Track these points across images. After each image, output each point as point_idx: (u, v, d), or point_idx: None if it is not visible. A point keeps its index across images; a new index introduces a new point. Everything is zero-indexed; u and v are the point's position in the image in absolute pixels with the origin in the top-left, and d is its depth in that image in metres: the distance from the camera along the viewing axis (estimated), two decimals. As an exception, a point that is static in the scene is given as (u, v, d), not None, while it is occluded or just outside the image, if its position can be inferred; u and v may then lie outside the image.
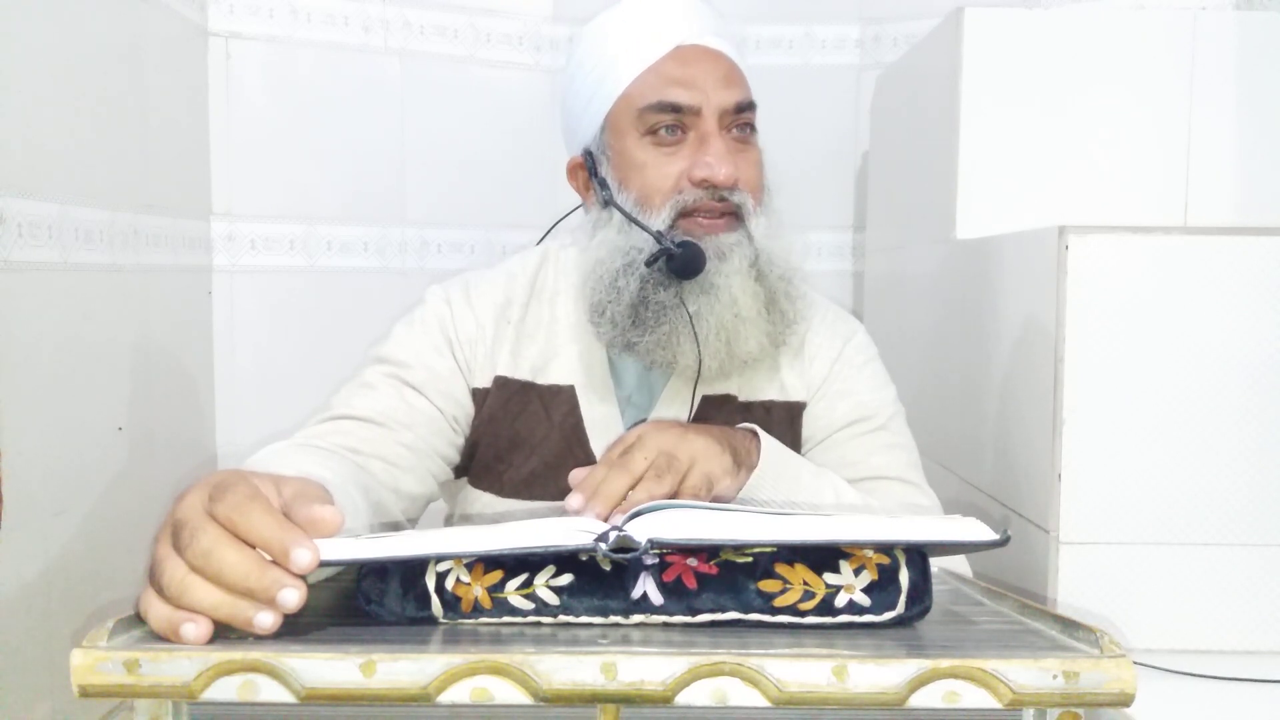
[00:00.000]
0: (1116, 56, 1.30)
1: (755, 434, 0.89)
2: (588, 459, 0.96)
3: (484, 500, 0.98)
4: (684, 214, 0.92)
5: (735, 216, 0.92)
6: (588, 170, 0.97)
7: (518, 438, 0.97)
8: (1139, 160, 1.30)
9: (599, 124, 0.95)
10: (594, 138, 0.96)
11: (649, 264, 0.90)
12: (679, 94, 0.92)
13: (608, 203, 0.94)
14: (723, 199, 0.91)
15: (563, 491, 0.96)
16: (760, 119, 1.02)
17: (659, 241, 0.90)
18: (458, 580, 0.55)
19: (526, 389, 0.97)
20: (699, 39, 0.94)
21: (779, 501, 0.86)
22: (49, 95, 1.17)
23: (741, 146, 0.94)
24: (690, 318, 0.90)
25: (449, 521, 1.06)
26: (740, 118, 0.94)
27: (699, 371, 0.93)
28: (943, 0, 1.35)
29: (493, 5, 1.88)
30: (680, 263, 0.89)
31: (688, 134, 0.92)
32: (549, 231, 1.10)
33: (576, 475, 0.81)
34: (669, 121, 0.92)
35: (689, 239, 0.90)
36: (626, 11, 0.96)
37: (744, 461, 0.85)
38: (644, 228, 0.91)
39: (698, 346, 0.91)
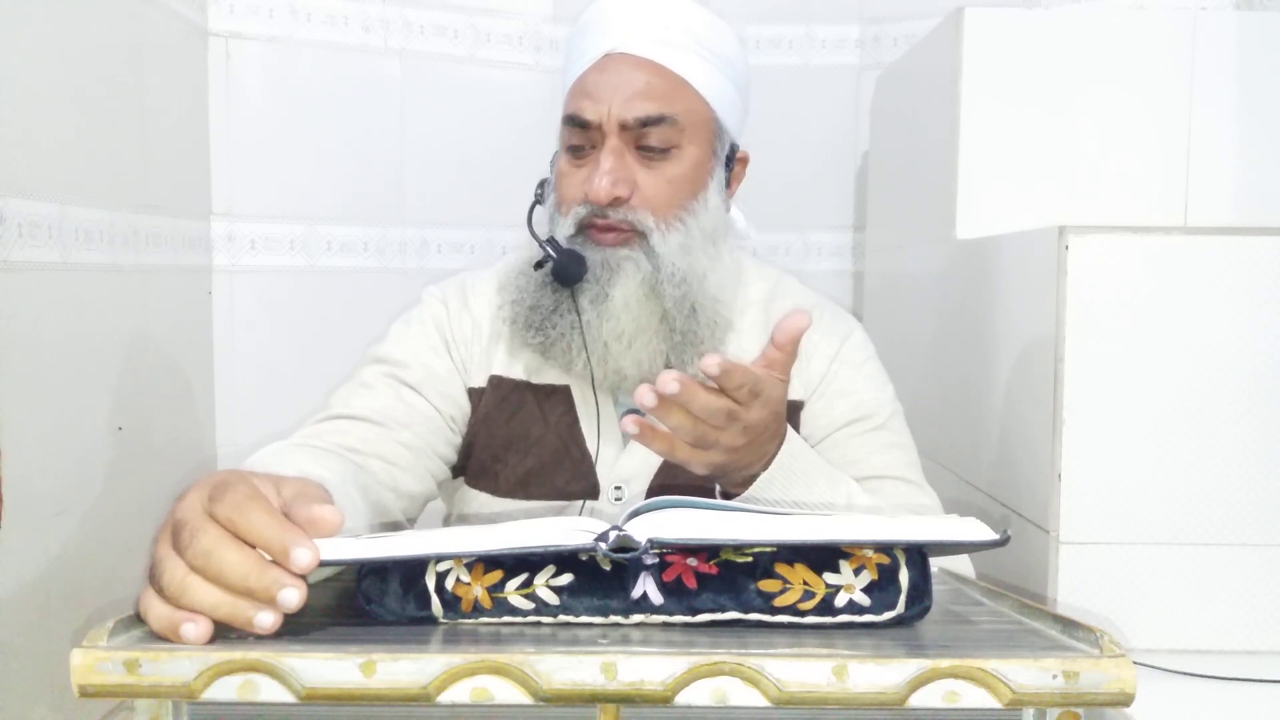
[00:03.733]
0: (1116, 56, 1.30)
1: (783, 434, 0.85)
2: (584, 459, 0.96)
3: (481, 500, 0.98)
4: (587, 225, 0.93)
5: (634, 232, 0.92)
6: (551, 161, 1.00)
7: (513, 437, 0.97)
8: (1139, 160, 1.30)
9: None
10: None
11: (536, 267, 0.94)
12: (584, 107, 0.91)
13: (536, 203, 0.98)
14: (605, 216, 0.91)
15: (559, 491, 0.96)
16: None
17: (543, 247, 0.93)
18: (458, 580, 0.55)
19: (522, 389, 0.97)
20: (630, 47, 0.91)
21: (784, 503, 0.86)
22: (49, 95, 1.17)
23: (648, 162, 0.92)
24: (581, 326, 0.92)
25: (447, 521, 1.06)
26: (646, 134, 0.91)
27: (592, 379, 0.95)
28: (943, 0, 1.35)
29: (493, 5, 1.88)
30: (559, 268, 0.92)
31: (595, 148, 0.92)
32: None
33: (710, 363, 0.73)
34: (576, 138, 0.93)
35: (574, 247, 0.92)
36: (589, 13, 0.96)
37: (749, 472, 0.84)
38: (533, 234, 0.94)
39: (587, 355, 0.92)
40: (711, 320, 0.94)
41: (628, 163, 0.92)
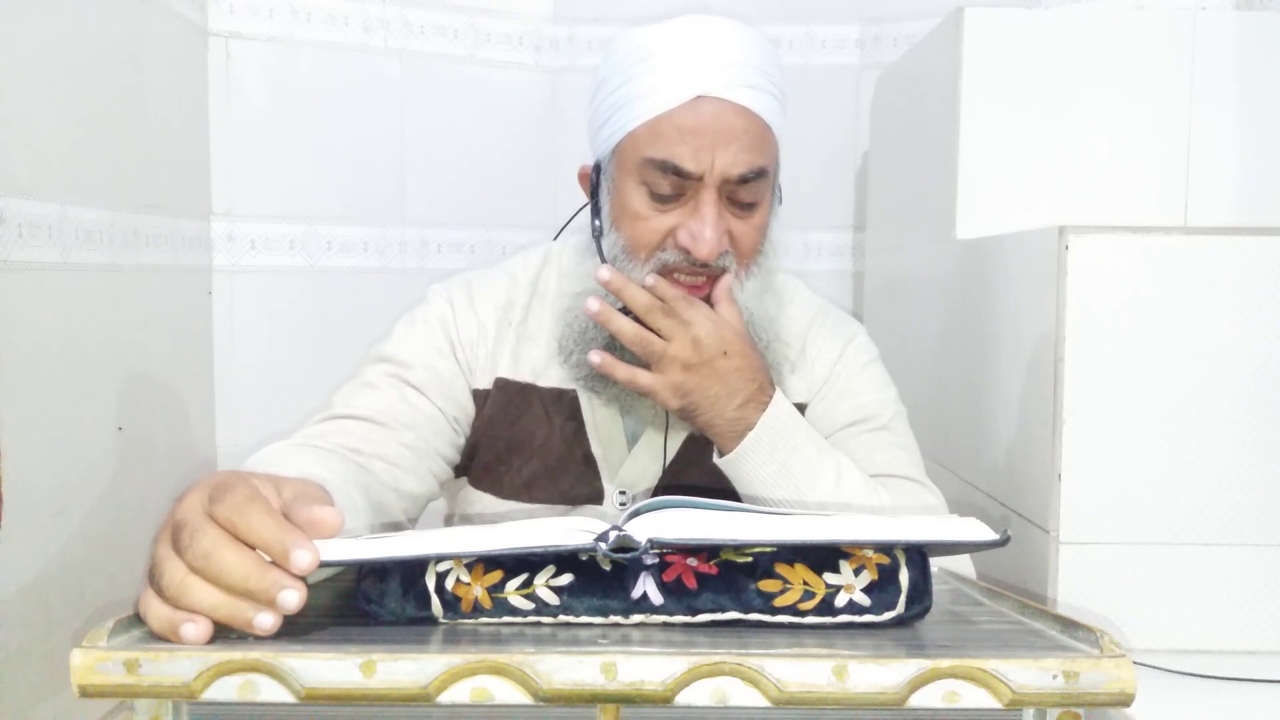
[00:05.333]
0: (1116, 56, 1.30)
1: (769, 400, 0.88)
2: (588, 462, 0.96)
3: (484, 501, 0.98)
4: (664, 270, 0.90)
5: (719, 278, 0.91)
6: (591, 185, 0.96)
7: (518, 440, 0.97)
8: (1139, 160, 1.30)
9: (610, 146, 0.92)
10: (605, 156, 0.93)
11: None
12: (683, 155, 0.86)
13: (597, 236, 0.94)
14: (704, 267, 0.89)
15: (563, 495, 0.96)
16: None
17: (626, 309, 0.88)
18: (458, 580, 0.55)
19: (527, 391, 0.97)
20: (724, 91, 0.86)
21: (770, 473, 0.87)
22: (49, 95, 1.17)
23: (741, 213, 0.90)
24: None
25: (449, 521, 1.06)
26: (744, 188, 0.88)
27: (666, 424, 0.95)
28: (943, 0, 1.35)
29: (493, 5, 1.88)
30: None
31: (685, 194, 0.88)
32: (561, 231, 1.10)
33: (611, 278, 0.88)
34: (666, 187, 0.88)
35: None
36: (662, 38, 0.89)
37: (731, 429, 0.87)
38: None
39: (665, 409, 0.91)
40: (777, 362, 0.94)
41: (724, 215, 0.89)
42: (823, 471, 0.88)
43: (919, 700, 0.48)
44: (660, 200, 0.89)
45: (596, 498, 0.96)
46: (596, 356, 0.88)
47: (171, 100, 1.51)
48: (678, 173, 0.87)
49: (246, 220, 1.69)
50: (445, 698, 0.48)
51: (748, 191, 0.89)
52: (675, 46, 0.88)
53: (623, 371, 0.87)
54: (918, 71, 1.54)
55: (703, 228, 0.87)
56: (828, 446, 0.91)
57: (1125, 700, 0.49)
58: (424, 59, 1.83)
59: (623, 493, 0.96)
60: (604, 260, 0.92)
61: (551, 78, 1.93)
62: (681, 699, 0.48)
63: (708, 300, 0.90)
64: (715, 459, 0.89)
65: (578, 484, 0.96)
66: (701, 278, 0.90)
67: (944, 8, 1.35)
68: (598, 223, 0.94)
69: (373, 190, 1.79)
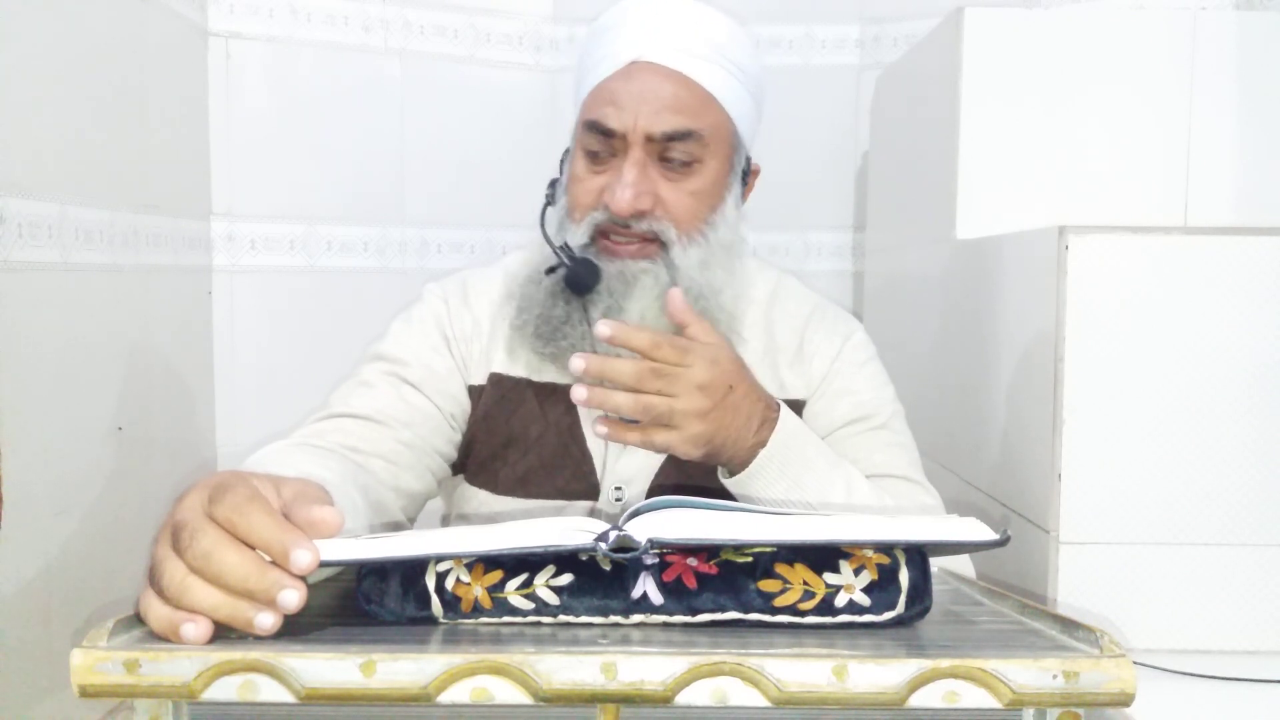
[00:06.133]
0: (1116, 56, 1.30)
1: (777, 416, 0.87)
2: (584, 458, 0.96)
3: (480, 498, 0.98)
4: (602, 233, 0.92)
5: (656, 243, 0.92)
6: (560, 163, 1.00)
7: (513, 435, 0.97)
8: (1139, 160, 1.30)
9: (575, 120, 0.96)
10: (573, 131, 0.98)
11: (547, 273, 0.93)
12: (609, 115, 0.90)
13: (549, 204, 0.97)
14: (628, 226, 0.90)
15: (559, 490, 0.96)
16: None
17: (556, 253, 0.91)
18: (458, 580, 0.55)
19: (522, 387, 0.97)
20: (658, 57, 0.90)
21: (781, 490, 0.86)
22: (49, 95, 1.17)
23: (672, 175, 0.91)
24: (593, 339, 0.88)
25: (446, 520, 1.06)
26: (670, 147, 0.90)
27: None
28: (943, 0, 1.35)
29: (493, 5, 1.88)
30: (571, 277, 0.90)
31: (616, 155, 0.91)
32: None
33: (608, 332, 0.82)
34: (596, 145, 0.91)
35: (589, 257, 0.91)
36: (613, 15, 0.95)
37: (740, 456, 0.85)
38: (548, 240, 0.93)
39: None
40: (725, 336, 0.94)
41: (650, 175, 0.90)
42: (833, 485, 0.87)
43: (919, 700, 0.48)
44: (594, 162, 0.92)
45: (592, 493, 0.96)
46: (603, 428, 0.83)
47: (171, 100, 1.51)
48: (604, 132, 0.90)
49: (246, 220, 1.69)
50: (445, 698, 0.48)
51: (677, 151, 0.90)
52: (625, 20, 0.93)
53: (634, 436, 0.83)
54: (918, 71, 1.54)
55: (622, 185, 0.89)
56: (835, 458, 0.90)
57: (1125, 700, 0.49)
58: (424, 59, 1.83)
59: (619, 488, 0.96)
60: (544, 230, 0.94)
61: (551, 78, 1.93)
62: (681, 699, 0.48)
63: (648, 259, 0.91)
64: (723, 479, 0.88)
65: (573, 479, 0.96)
66: (635, 243, 0.91)
67: (944, 8, 1.35)
68: (549, 193, 0.98)
69: (373, 190, 1.79)
